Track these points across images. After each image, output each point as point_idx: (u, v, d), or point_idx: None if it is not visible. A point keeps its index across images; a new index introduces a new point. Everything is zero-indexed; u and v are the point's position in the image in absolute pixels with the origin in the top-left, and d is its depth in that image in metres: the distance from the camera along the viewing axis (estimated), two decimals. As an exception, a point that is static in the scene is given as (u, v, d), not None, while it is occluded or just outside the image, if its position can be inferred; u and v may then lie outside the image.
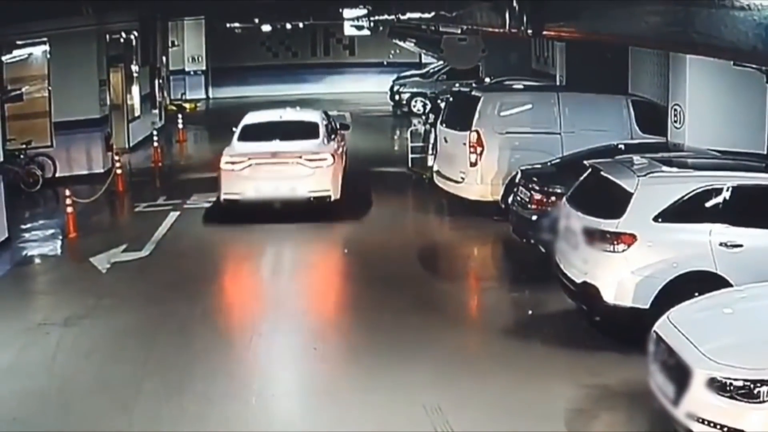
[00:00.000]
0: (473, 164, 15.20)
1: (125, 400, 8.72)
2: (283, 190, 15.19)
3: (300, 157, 15.36)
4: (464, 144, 15.29)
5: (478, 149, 15.17)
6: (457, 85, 18.72)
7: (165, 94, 30.14)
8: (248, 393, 8.97)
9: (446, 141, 16.29)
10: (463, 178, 15.44)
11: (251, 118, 17.28)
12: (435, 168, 16.51)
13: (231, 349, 10.16)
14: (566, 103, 15.59)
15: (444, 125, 16.52)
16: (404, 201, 17.84)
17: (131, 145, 23.56)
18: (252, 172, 15.23)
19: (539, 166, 13.44)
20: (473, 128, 15.26)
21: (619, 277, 9.46)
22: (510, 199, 13.64)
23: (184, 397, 8.83)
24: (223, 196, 15.55)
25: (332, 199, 15.49)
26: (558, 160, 13.67)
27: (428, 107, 26.26)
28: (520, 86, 18.74)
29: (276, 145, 15.74)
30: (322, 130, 16.45)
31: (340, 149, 17.07)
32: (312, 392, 9.15)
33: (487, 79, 22.19)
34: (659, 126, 14.79)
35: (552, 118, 15.37)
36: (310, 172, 15.31)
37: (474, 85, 18.58)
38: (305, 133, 16.23)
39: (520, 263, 13.07)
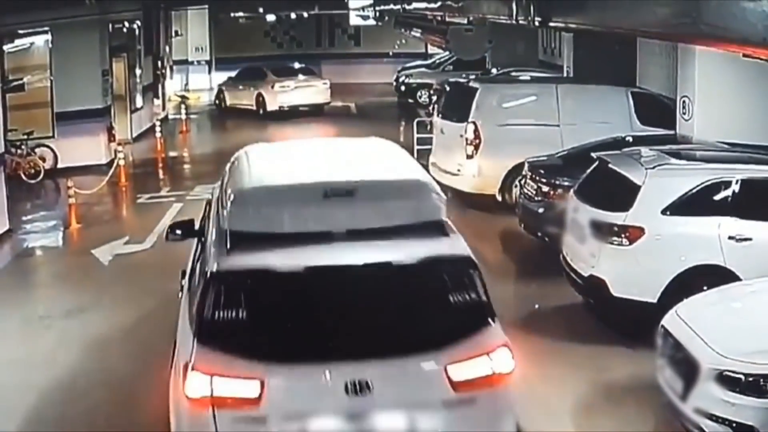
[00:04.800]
0: (470, 156, 15.06)
1: (127, 394, 8.66)
2: (308, 100, 28.46)
3: (313, 84, 28.88)
4: (461, 136, 15.15)
5: (475, 141, 15.04)
6: (464, 76, 18.59)
7: (168, 84, 30.03)
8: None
9: (443, 133, 16.17)
10: (459, 171, 15.31)
11: (277, 68, 29.78)
12: (431, 160, 16.34)
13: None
14: (565, 94, 15.46)
15: (441, 117, 16.39)
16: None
17: (134, 135, 23.46)
18: (293, 92, 28.20)
19: (545, 158, 13.32)
20: (470, 120, 15.13)
21: (627, 271, 9.40)
22: (517, 192, 13.53)
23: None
24: (278, 105, 27.98)
25: (329, 103, 29.16)
26: (565, 153, 13.54)
27: (434, 98, 26.13)
28: (519, 78, 18.62)
29: (299, 78, 28.82)
30: (318, 72, 30.63)
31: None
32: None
33: (494, 70, 22.06)
34: (659, 118, 14.68)
35: (551, 110, 15.22)
36: (320, 90, 28.82)
37: (472, 76, 18.47)
38: (310, 73, 29.71)
39: (526, 256, 12.98)
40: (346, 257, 6.06)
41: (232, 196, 6.52)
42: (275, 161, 7.66)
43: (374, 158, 7.65)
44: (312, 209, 6.29)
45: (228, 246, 6.12)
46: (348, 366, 5.80)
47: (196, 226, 8.24)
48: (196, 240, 7.92)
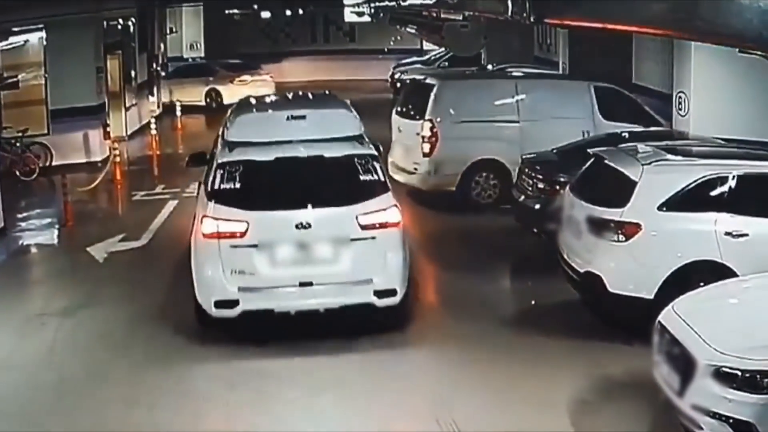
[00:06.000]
0: (427, 154, 14.89)
1: (124, 392, 8.66)
2: (260, 93, 24.24)
3: (263, 78, 30.70)
4: (417, 134, 14.97)
5: (432, 139, 14.88)
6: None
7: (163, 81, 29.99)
8: (250, 384, 8.87)
9: (400, 131, 16.03)
10: (416, 169, 15.16)
11: (223, 65, 31.52)
12: (390, 159, 15.98)
13: (231, 338, 10.05)
14: (525, 90, 15.35)
15: (399, 114, 16.23)
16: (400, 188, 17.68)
17: (128, 133, 23.44)
18: (249, 86, 29.06)
19: (534, 154, 13.27)
20: (426, 117, 14.98)
21: (623, 267, 9.39)
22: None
23: (183, 389, 8.74)
24: (238, 98, 28.65)
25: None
26: (561, 149, 13.48)
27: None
28: (478, 74, 18.51)
29: (253, 73, 30.87)
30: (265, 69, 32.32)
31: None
32: (313, 385, 9.03)
33: (489, 66, 22.05)
34: (624, 113, 14.64)
35: (510, 107, 15.12)
36: (267, 83, 30.01)
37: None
38: (255, 67, 31.53)
39: (522, 253, 12.97)
40: (298, 153, 9.95)
41: (232, 120, 10.89)
42: (259, 103, 12.63)
43: (321, 101, 12.42)
44: (279, 126, 10.47)
45: (228, 149, 10.12)
46: (298, 213, 9.46)
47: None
48: (207, 165, 11.11)
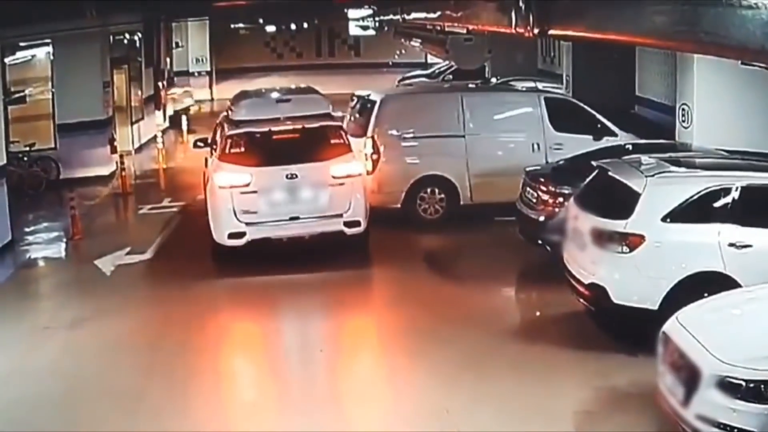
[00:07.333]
0: (369, 172, 14.54)
1: (130, 403, 8.69)
2: (187, 104, 30.78)
3: (187, 89, 31.86)
4: (360, 151, 14.61)
5: (374, 156, 14.70)
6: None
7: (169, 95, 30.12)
8: (255, 396, 8.90)
9: None
10: None
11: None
12: None
13: (236, 351, 10.09)
14: (471, 104, 15.09)
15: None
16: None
17: (135, 147, 23.50)
18: (181, 97, 30.88)
19: (538, 167, 13.27)
20: (368, 134, 14.79)
21: (628, 278, 9.40)
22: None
23: (188, 400, 8.78)
24: (173, 110, 29.86)
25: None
26: (565, 161, 13.51)
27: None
28: (422, 88, 18.32)
29: (179, 86, 31.93)
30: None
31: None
32: (318, 393, 9.07)
33: (494, 80, 22.10)
34: (576, 125, 14.52)
35: (455, 121, 14.89)
36: (191, 94, 31.54)
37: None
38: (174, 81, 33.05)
39: (527, 264, 12.98)
40: (286, 126, 13.16)
41: (236, 103, 14.21)
42: (255, 93, 15.48)
43: (301, 90, 15.64)
44: (271, 107, 13.77)
45: (234, 125, 13.27)
46: (287, 167, 12.65)
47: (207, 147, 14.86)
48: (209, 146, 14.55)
